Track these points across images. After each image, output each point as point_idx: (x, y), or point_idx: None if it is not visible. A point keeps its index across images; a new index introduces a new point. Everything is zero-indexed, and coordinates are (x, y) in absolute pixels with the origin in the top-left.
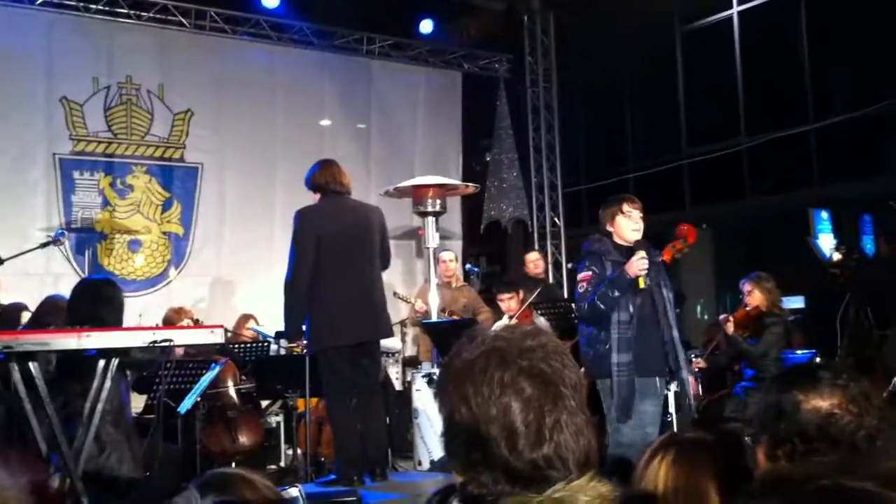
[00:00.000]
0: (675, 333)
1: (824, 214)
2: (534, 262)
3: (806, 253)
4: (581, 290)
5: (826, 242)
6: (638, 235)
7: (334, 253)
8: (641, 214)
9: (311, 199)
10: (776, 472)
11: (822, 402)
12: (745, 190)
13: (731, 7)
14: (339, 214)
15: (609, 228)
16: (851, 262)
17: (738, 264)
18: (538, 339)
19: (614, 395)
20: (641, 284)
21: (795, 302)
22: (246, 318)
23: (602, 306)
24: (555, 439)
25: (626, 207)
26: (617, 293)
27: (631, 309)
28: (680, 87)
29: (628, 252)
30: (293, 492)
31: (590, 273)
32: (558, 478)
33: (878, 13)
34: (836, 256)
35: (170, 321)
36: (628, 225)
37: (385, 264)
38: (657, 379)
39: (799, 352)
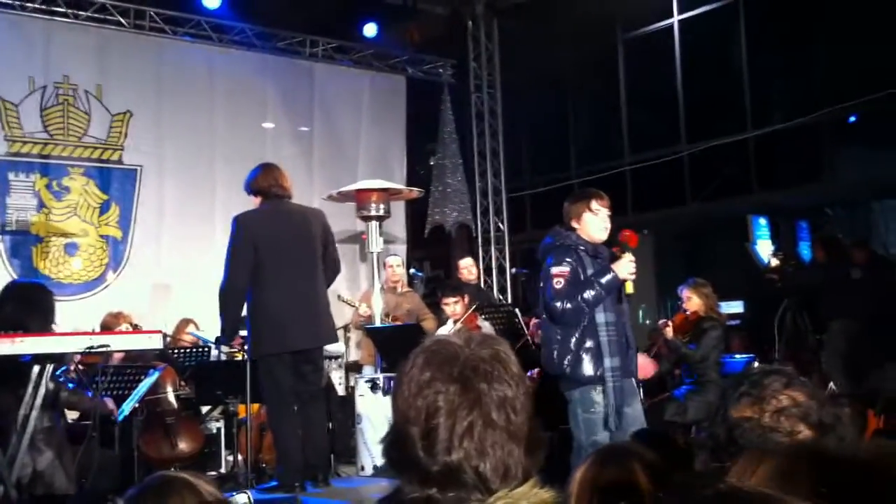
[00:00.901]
0: (631, 337)
1: (762, 221)
2: (467, 268)
3: (745, 258)
4: (558, 287)
5: (764, 248)
6: (605, 235)
7: (274, 258)
8: (610, 213)
9: (252, 202)
10: (680, 477)
11: (741, 412)
12: (686, 196)
13: (671, 16)
14: (280, 219)
15: (574, 225)
16: (788, 267)
17: (680, 270)
18: (477, 347)
19: (608, 402)
20: (630, 289)
21: (734, 307)
22: (185, 322)
23: (587, 308)
24: (464, 446)
25: (594, 205)
26: (604, 293)
27: (615, 310)
28: (622, 94)
29: (593, 251)
30: (241, 498)
31: (567, 269)
32: (473, 486)
33: (817, 23)
34: (774, 262)
35: (107, 326)
36: (596, 223)
37: (333, 269)
38: (633, 380)
39: (737, 356)
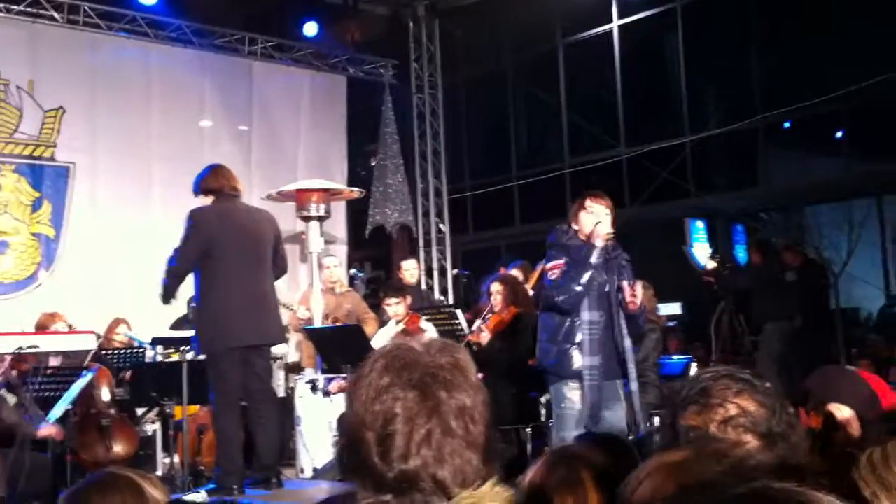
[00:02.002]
0: (628, 342)
1: (699, 224)
2: (409, 270)
3: (682, 261)
4: (553, 278)
5: (701, 251)
6: (610, 229)
7: (226, 256)
8: (608, 211)
9: (195, 201)
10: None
11: (688, 420)
12: (625, 199)
13: (611, 21)
14: (234, 218)
15: (574, 225)
16: (725, 270)
17: None
18: (438, 354)
19: (585, 400)
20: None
21: (673, 308)
22: (117, 322)
23: (583, 290)
24: (422, 454)
25: (588, 203)
26: (592, 270)
27: (604, 309)
28: (562, 97)
29: (587, 251)
30: (199, 497)
31: (562, 261)
32: (431, 492)
33: (753, 30)
34: (711, 265)
35: (43, 326)
36: (590, 221)
37: (282, 268)
38: (617, 382)
39: (675, 357)
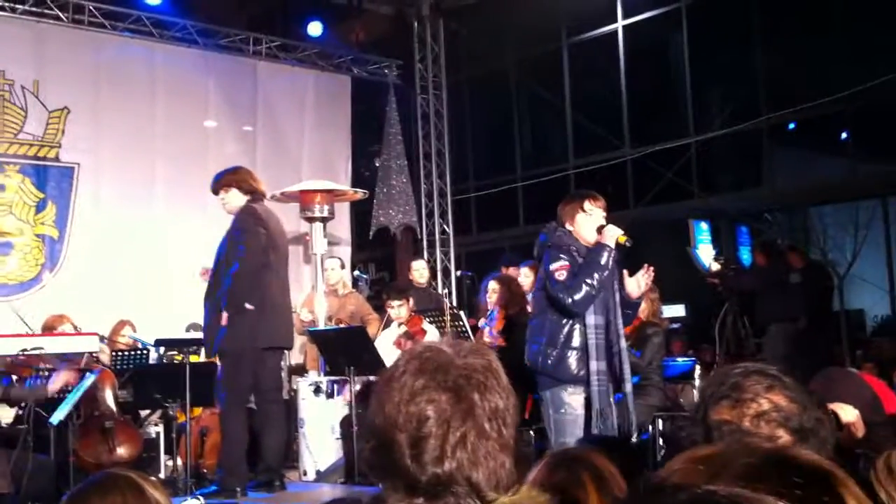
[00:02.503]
0: (624, 344)
1: (703, 225)
2: (419, 270)
3: (686, 263)
4: (562, 279)
5: (705, 253)
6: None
7: (274, 257)
8: (605, 213)
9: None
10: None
11: (720, 414)
12: (629, 200)
13: (615, 21)
14: (274, 220)
15: (569, 226)
16: (729, 272)
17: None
18: (470, 356)
19: (594, 406)
20: (622, 240)
21: (677, 310)
22: (122, 324)
23: (594, 292)
24: (457, 457)
25: (587, 205)
26: (605, 272)
27: (606, 312)
28: (567, 98)
29: (585, 253)
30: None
31: (567, 263)
32: (465, 495)
33: (757, 31)
34: (715, 266)
35: (50, 327)
36: (590, 225)
37: None
38: (610, 386)
39: (679, 359)
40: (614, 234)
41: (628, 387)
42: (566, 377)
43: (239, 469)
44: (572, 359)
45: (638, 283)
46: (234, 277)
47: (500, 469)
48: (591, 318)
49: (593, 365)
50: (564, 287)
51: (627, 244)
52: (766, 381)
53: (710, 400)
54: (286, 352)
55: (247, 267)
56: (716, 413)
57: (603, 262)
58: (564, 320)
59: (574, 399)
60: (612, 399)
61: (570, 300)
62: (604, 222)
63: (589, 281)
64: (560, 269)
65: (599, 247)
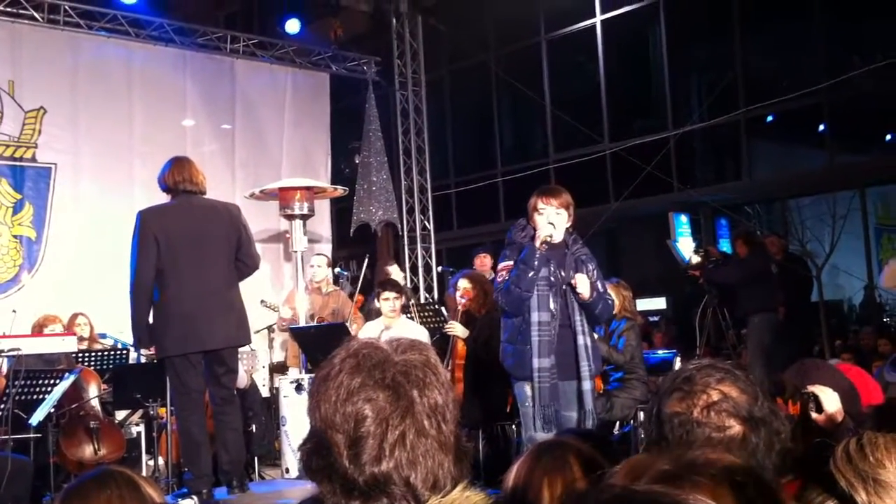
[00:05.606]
0: (586, 340)
1: (683, 218)
2: (395, 275)
3: (667, 256)
4: (500, 280)
5: (685, 245)
6: (550, 231)
7: (177, 255)
8: (559, 209)
9: (166, 198)
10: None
11: (672, 407)
12: (609, 194)
13: (594, 16)
14: (185, 214)
15: (532, 224)
16: (709, 264)
17: (603, 267)
18: (408, 352)
19: (535, 403)
20: (547, 238)
21: (658, 303)
22: (75, 316)
23: (517, 289)
24: (395, 456)
25: (539, 204)
26: (531, 273)
27: (552, 308)
28: (546, 93)
29: (550, 248)
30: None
31: (511, 263)
32: (401, 497)
33: (736, 24)
34: (695, 259)
35: (40, 327)
36: (542, 222)
37: (250, 265)
38: (575, 383)
39: (660, 351)
40: (541, 235)
41: (586, 385)
42: (521, 374)
43: (203, 471)
44: (525, 356)
45: (584, 283)
46: (131, 297)
47: (438, 469)
48: (535, 315)
49: (535, 362)
50: (499, 288)
51: (549, 239)
52: (718, 374)
53: (663, 395)
54: (268, 350)
55: (138, 283)
56: (668, 406)
57: (527, 262)
58: (518, 319)
59: (533, 394)
60: (567, 395)
61: (502, 300)
62: (555, 219)
63: (515, 281)
64: (503, 268)
65: (529, 247)
